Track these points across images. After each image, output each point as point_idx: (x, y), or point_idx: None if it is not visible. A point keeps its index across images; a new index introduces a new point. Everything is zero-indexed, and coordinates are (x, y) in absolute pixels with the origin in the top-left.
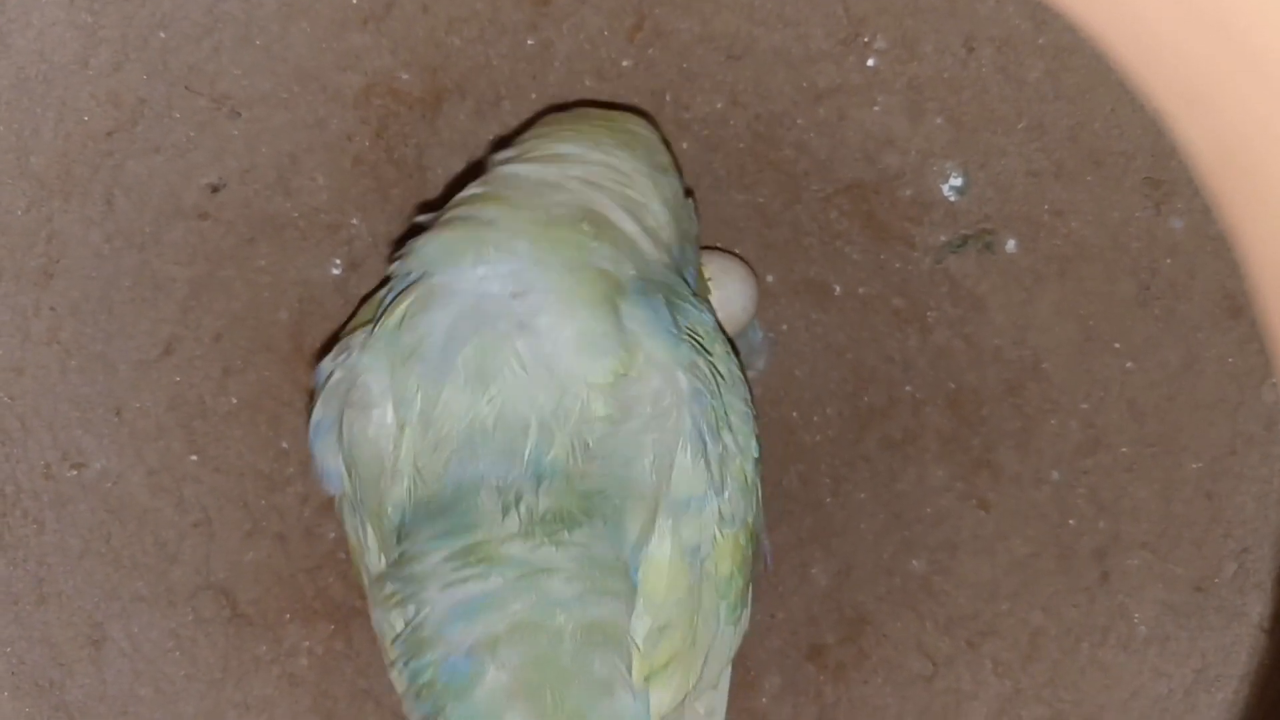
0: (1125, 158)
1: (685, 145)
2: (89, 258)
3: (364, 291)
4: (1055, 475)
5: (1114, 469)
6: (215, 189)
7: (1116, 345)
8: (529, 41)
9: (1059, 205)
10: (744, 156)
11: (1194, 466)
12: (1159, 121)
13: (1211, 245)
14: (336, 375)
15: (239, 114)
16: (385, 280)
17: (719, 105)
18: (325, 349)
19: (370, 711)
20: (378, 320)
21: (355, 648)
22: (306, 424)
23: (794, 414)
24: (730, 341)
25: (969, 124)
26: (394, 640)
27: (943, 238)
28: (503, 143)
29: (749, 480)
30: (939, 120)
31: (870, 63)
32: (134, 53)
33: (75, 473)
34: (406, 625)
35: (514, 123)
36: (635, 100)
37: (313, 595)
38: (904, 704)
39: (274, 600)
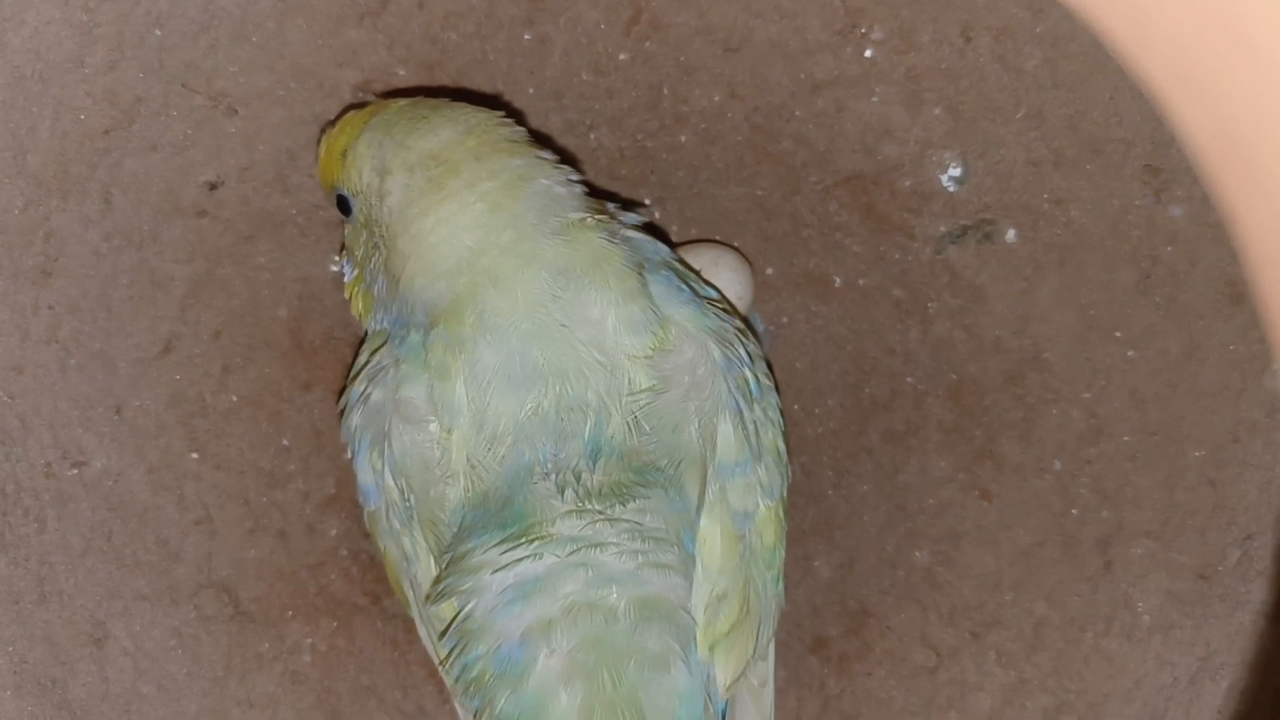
0: (1125, 145)
1: (683, 138)
2: (87, 256)
3: None
4: (1058, 465)
5: (1116, 458)
6: (213, 186)
7: (1118, 334)
8: (526, 36)
9: (1058, 194)
10: (742, 149)
11: (1197, 454)
12: (1158, 109)
13: (1212, 233)
14: (374, 393)
15: (236, 111)
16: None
17: (717, 98)
18: (325, 345)
19: (374, 708)
20: (409, 344)
21: (358, 644)
22: (307, 421)
23: (795, 406)
24: (744, 319)
25: (967, 114)
26: (443, 634)
27: (942, 228)
28: None
29: (780, 452)
30: (937, 110)
31: (868, 54)
32: (130, 51)
33: (76, 471)
34: (456, 616)
35: (511, 118)
36: (633, 94)
37: (315, 592)
38: (908, 696)
39: (276, 597)
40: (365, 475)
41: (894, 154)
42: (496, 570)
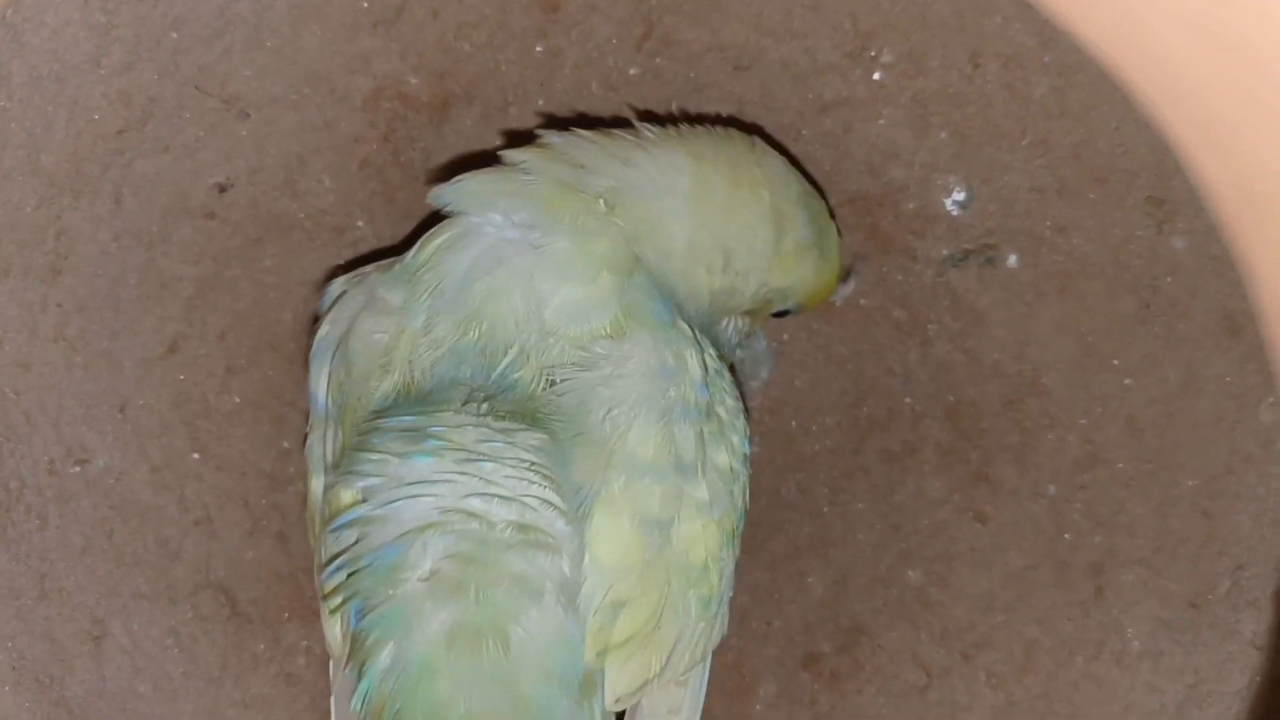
0: (1128, 176)
1: None
2: (97, 255)
3: None
4: (1052, 489)
5: (1111, 484)
6: (223, 189)
7: (1116, 362)
8: (537, 48)
9: (1061, 221)
10: None
11: (1191, 484)
12: (1163, 141)
13: (1212, 265)
14: (350, 292)
15: (248, 115)
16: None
17: (725, 115)
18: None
19: None
20: (411, 253)
21: None
22: (307, 422)
23: (793, 423)
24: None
25: (973, 139)
26: (334, 519)
27: (945, 251)
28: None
29: (734, 471)
30: (944, 135)
31: (876, 76)
32: (146, 52)
33: (79, 469)
34: (349, 502)
35: (521, 129)
36: (642, 109)
37: (312, 595)
38: (898, 714)
39: (273, 599)
40: (318, 383)
41: (899, 176)
42: (393, 461)
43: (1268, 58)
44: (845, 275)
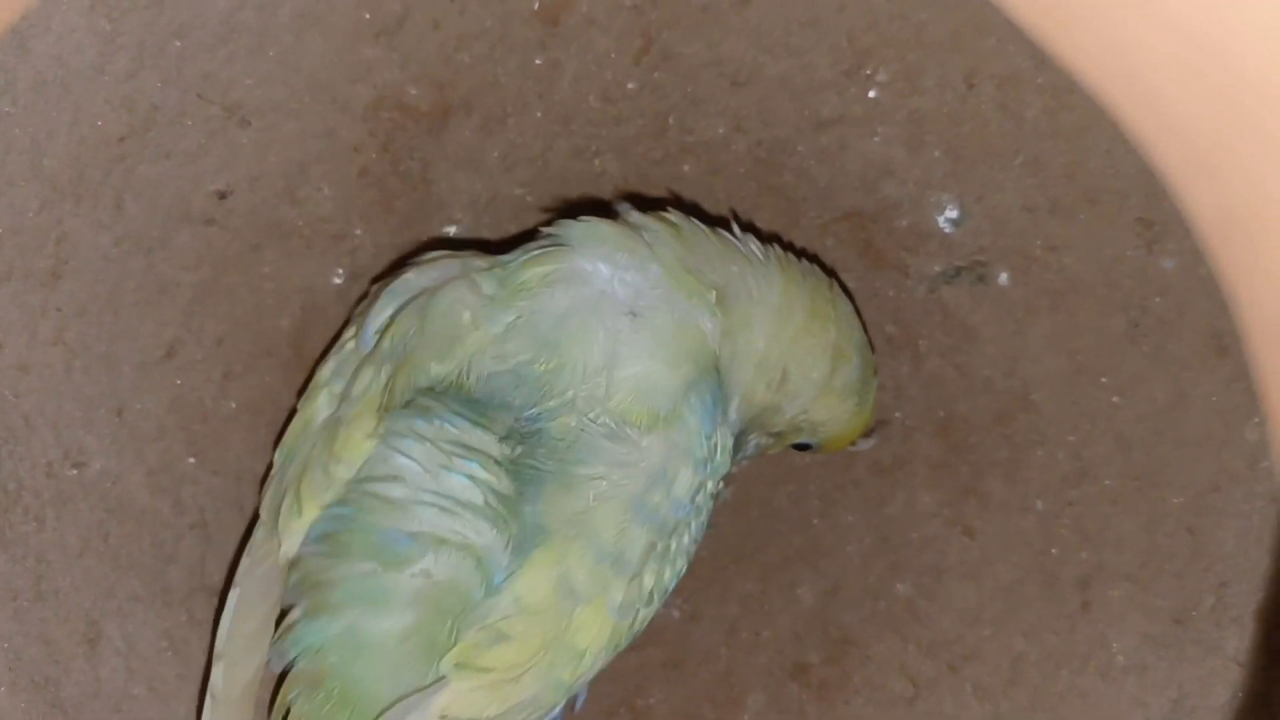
0: (1119, 197)
1: (686, 168)
2: (97, 260)
3: None
4: (1040, 505)
5: (1099, 500)
6: (223, 196)
7: (1105, 379)
8: (537, 60)
9: (1053, 241)
10: (744, 181)
11: (1177, 501)
12: (1153, 163)
13: (1201, 285)
14: (446, 261)
15: (249, 123)
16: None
17: (721, 130)
18: (325, 357)
19: None
20: (513, 262)
21: None
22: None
23: None
24: None
25: (967, 158)
26: (358, 474)
27: (937, 268)
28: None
29: (651, 596)
30: (937, 153)
31: (872, 94)
32: (150, 60)
33: (76, 471)
34: (374, 461)
35: (519, 140)
36: (639, 123)
37: None
38: None
39: None
40: (379, 317)
41: (893, 193)
42: (435, 464)
43: (1255, 85)
44: (870, 430)
